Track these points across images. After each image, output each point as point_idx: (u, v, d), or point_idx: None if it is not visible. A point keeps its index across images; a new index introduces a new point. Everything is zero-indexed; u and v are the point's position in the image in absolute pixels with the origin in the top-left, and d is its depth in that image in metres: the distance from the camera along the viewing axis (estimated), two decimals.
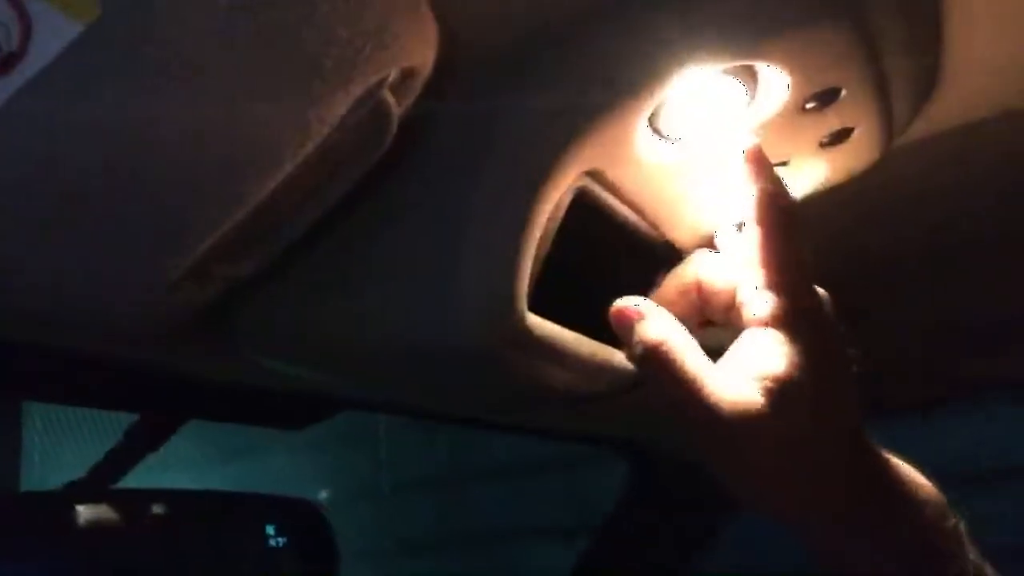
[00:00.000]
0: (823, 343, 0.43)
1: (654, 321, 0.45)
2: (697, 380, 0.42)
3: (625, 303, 0.46)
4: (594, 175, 0.47)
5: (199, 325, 0.52)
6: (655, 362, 0.43)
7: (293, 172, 0.37)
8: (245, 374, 0.67)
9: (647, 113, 0.44)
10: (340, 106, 0.34)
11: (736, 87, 0.45)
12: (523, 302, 0.46)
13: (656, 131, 0.46)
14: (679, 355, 0.43)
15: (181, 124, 0.33)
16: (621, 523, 1.46)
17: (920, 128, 0.54)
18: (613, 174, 0.48)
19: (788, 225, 0.45)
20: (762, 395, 0.41)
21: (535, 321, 0.47)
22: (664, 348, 0.43)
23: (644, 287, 0.61)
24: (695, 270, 0.50)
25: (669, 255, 0.60)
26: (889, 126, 0.51)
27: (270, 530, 0.69)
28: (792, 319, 0.43)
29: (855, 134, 0.50)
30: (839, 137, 0.50)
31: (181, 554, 0.65)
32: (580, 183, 0.48)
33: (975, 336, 0.99)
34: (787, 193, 0.47)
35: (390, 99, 0.37)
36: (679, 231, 0.58)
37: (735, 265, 0.48)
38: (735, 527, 1.47)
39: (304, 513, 0.72)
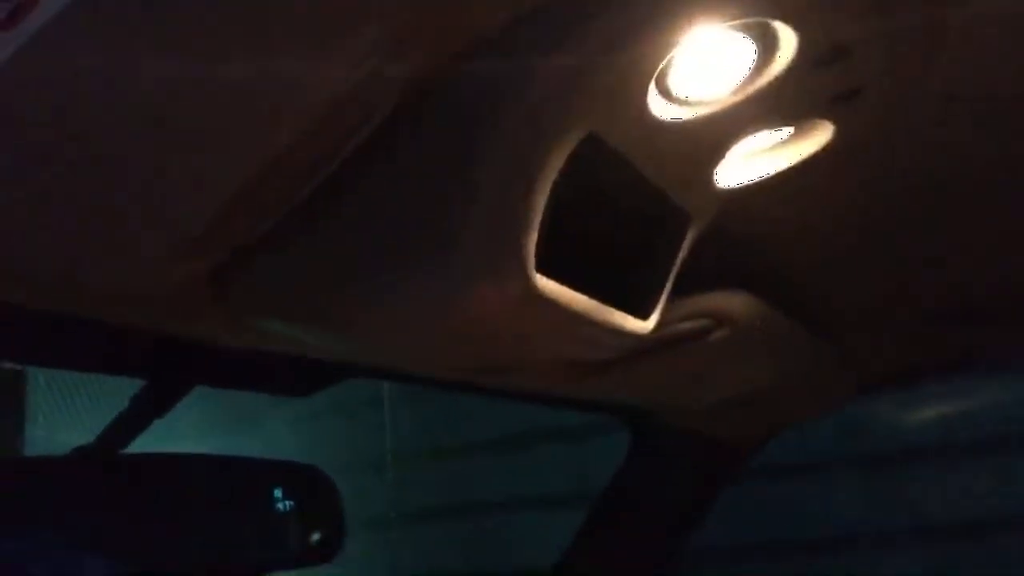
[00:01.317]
0: None
1: None
2: None
3: None
4: (600, 135, 0.47)
5: (204, 290, 0.52)
6: None
7: (297, 135, 0.37)
8: (250, 340, 0.67)
9: (654, 73, 0.44)
10: (342, 72, 0.34)
11: (746, 45, 0.44)
12: (530, 263, 0.46)
13: (664, 91, 0.46)
14: None
15: (184, 95, 0.33)
16: (621, 491, 1.47)
17: (928, 88, 0.54)
18: (620, 134, 0.48)
19: None
20: None
21: (543, 282, 0.47)
22: None
23: (651, 250, 0.61)
24: None
25: (675, 218, 0.60)
26: (898, 85, 0.50)
27: (277, 494, 0.69)
28: None
29: (864, 93, 0.50)
30: (849, 96, 0.50)
31: (189, 518, 0.65)
32: (587, 144, 0.47)
33: (956, 308, 0.99)
34: None
35: (392, 66, 0.37)
36: (685, 193, 0.58)
37: None
38: (732, 498, 1.48)
39: (311, 478, 0.72)
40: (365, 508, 2.94)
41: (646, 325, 0.60)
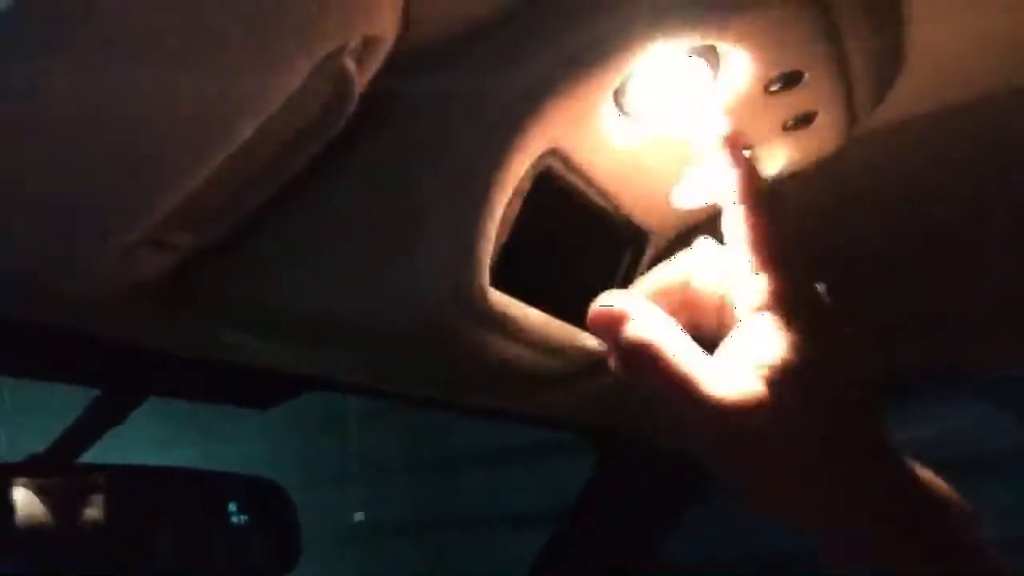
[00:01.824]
0: (824, 323, 0.40)
1: (638, 320, 0.41)
2: (691, 379, 0.39)
3: (605, 301, 0.42)
4: (559, 153, 0.47)
5: (159, 296, 0.51)
6: (642, 365, 0.40)
7: (252, 139, 0.37)
8: (208, 349, 0.66)
9: (611, 90, 0.45)
10: (300, 72, 0.34)
11: (700, 67, 0.45)
12: (485, 277, 0.46)
13: (621, 110, 0.46)
14: (668, 355, 0.39)
15: (135, 89, 0.33)
16: (587, 508, 1.47)
17: (884, 114, 0.55)
18: (578, 152, 0.48)
19: (774, 209, 0.43)
20: (763, 384, 0.38)
21: (497, 297, 0.47)
22: (652, 349, 0.40)
23: (608, 268, 0.61)
24: (682, 268, 0.47)
25: (634, 237, 0.60)
26: (852, 111, 0.51)
27: (232, 507, 0.69)
28: (788, 300, 0.40)
29: (818, 119, 0.51)
30: (802, 121, 0.51)
31: (141, 529, 0.65)
32: (545, 161, 0.48)
33: (941, 327, 1.01)
34: (764, 180, 0.46)
35: (352, 67, 0.37)
36: (644, 213, 0.58)
37: (724, 262, 0.45)
38: (700, 514, 1.49)
39: (266, 491, 0.72)
40: (328, 522, 2.92)
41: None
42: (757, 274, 0.41)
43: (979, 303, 0.96)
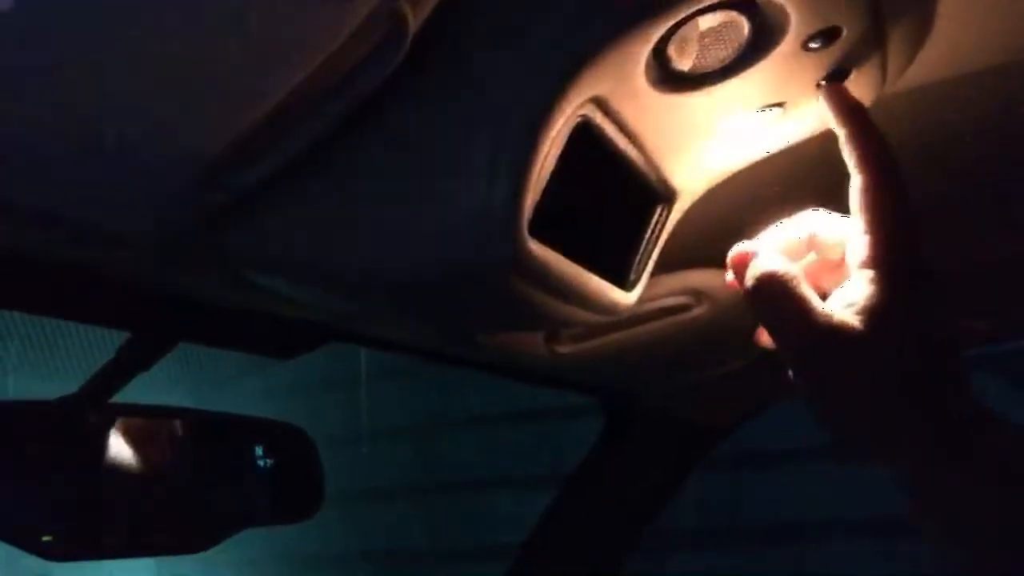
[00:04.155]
0: (917, 280, 0.46)
1: (767, 256, 0.49)
2: (807, 301, 0.46)
3: (740, 247, 0.50)
4: (598, 103, 0.48)
5: (199, 238, 0.52)
6: (768, 289, 0.47)
7: (307, 78, 0.37)
8: (238, 298, 0.67)
9: (652, 43, 0.45)
10: (362, 9, 0.35)
11: (741, 22, 0.46)
12: (523, 225, 0.47)
13: (661, 64, 0.47)
14: (791, 282, 0.47)
15: (198, 21, 0.33)
16: (593, 471, 1.49)
17: (915, 74, 0.55)
18: (616, 104, 0.49)
19: (889, 167, 0.48)
20: (859, 322, 0.45)
21: (535, 245, 0.48)
22: (778, 276, 0.47)
23: (637, 225, 0.62)
24: (805, 226, 0.52)
25: (663, 194, 0.61)
26: (883, 70, 0.52)
27: (259, 451, 0.70)
28: (888, 259, 0.46)
29: (851, 77, 0.51)
30: (835, 78, 0.51)
31: (172, 470, 0.66)
32: (583, 111, 0.49)
33: (964, 291, 1.01)
34: (879, 135, 0.49)
35: (407, 10, 0.38)
36: (675, 170, 0.59)
37: (844, 223, 0.50)
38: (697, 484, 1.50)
39: (292, 437, 0.73)
40: (334, 484, 2.95)
41: (630, 298, 0.62)
42: (865, 234, 0.46)
43: (1001, 269, 0.96)
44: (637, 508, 1.52)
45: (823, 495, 2.35)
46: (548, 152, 0.47)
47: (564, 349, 0.86)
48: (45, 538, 0.57)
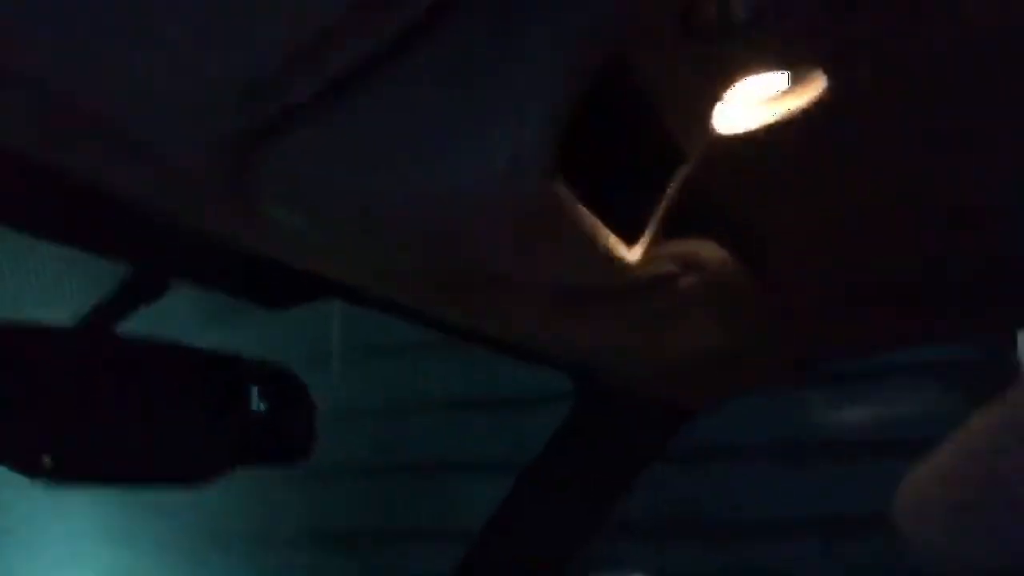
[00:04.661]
0: None
1: None
2: None
3: None
4: (629, 52, 0.50)
5: (226, 164, 0.53)
6: None
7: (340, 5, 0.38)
8: (247, 237, 0.68)
9: (681, 5, 0.47)
10: None
11: None
12: (551, 165, 0.48)
13: (690, 14, 0.49)
14: None
15: None
16: (558, 453, 1.50)
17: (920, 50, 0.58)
18: (645, 54, 0.50)
19: None
20: None
21: (558, 187, 0.50)
22: None
23: (646, 182, 0.64)
24: None
25: (672, 156, 0.63)
26: (895, 43, 0.54)
27: (254, 391, 0.71)
28: None
29: (864, 47, 0.54)
30: (849, 48, 0.54)
31: (169, 404, 0.66)
32: (608, 64, 0.50)
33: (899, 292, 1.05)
34: None
35: None
36: (685, 130, 0.61)
37: None
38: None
39: (285, 379, 0.74)
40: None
41: (633, 255, 0.64)
42: None
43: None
44: (601, 493, 1.54)
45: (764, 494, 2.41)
46: (577, 98, 0.49)
47: (547, 319, 0.88)
48: (46, 460, 0.57)
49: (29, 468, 0.57)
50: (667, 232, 0.75)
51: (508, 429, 2.66)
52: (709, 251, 0.78)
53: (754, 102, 0.62)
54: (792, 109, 0.61)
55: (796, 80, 0.59)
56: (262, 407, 0.71)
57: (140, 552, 3.04)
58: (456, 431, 2.82)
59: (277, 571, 2.89)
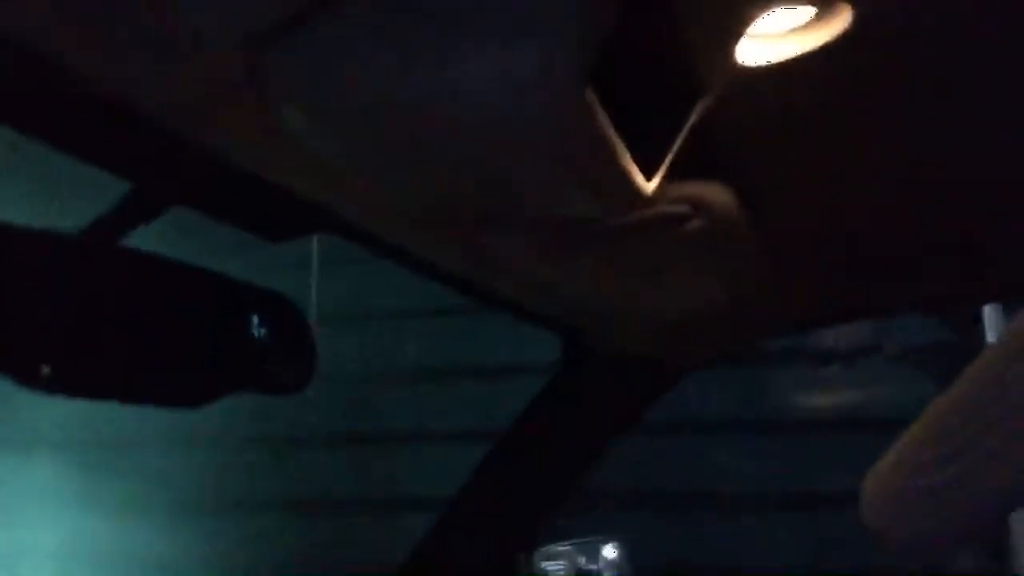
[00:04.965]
0: None
1: None
2: None
3: None
4: None
5: (238, 69, 0.51)
6: None
7: None
8: (253, 156, 0.66)
9: None
10: None
11: None
12: (587, 73, 0.47)
13: None
14: None
15: None
16: (540, 415, 1.49)
17: None
18: None
19: None
20: None
21: (591, 97, 0.49)
22: None
23: (667, 114, 0.63)
24: None
25: (694, 87, 0.62)
26: None
27: (255, 319, 0.69)
28: None
29: None
30: None
31: (169, 322, 0.65)
32: None
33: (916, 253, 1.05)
34: None
35: None
36: (706, 62, 0.60)
37: None
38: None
39: (285, 309, 0.72)
40: (266, 430, 2.91)
41: (649, 186, 0.63)
42: None
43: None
44: (578, 456, 1.53)
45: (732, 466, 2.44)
46: (607, 17, 0.48)
47: (543, 262, 0.87)
48: (44, 369, 0.55)
49: (27, 377, 0.56)
50: (682, 170, 0.75)
51: (485, 399, 2.66)
52: (717, 194, 0.77)
53: (778, 35, 0.61)
54: (815, 43, 0.61)
55: (821, 14, 0.58)
56: (262, 333, 0.69)
57: (102, 515, 3.00)
58: (433, 400, 2.82)
59: (246, 535, 2.88)
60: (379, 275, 2.72)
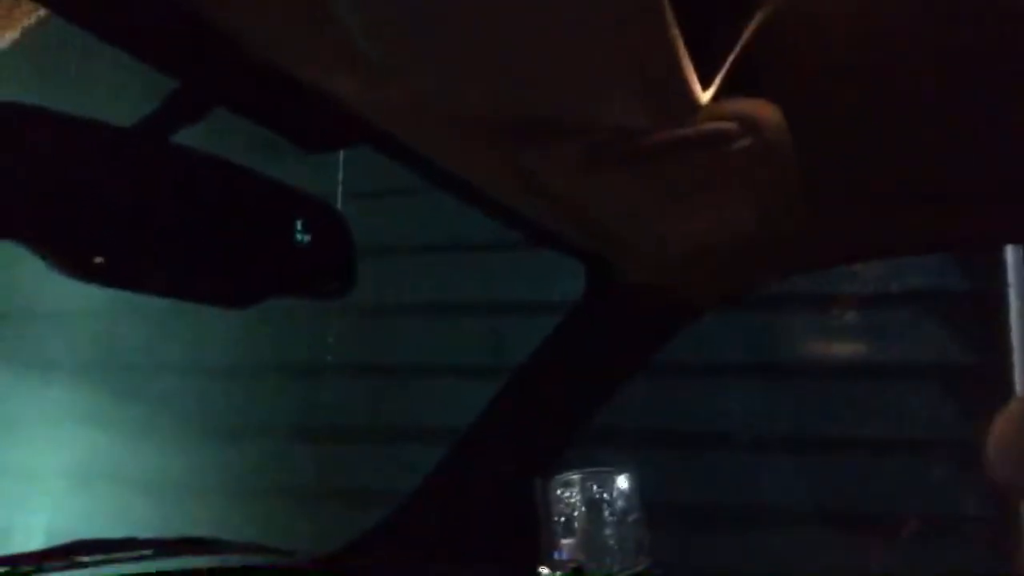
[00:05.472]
0: None
1: None
2: None
3: None
4: None
5: None
6: None
7: None
8: (298, 62, 0.66)
9: None
10: None
11: None
12: None
13: None
14: None
15: None
16: (560, 343, 1.50)
17: None
18: None
19: None
20: None
21: None
22: None
23: (723, 25, 0.62)
24: None
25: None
26: None
27: (299, 224, 0.69)
28: None
29: None
30: None
31: (217, 222, 0.65)
32: None
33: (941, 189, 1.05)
34: None
35: None
36: None
37: None
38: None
39: (328, 214, 0.72)
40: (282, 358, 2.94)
41: (704, 96, 0.62)
42: None
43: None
44: (592, 390, 1.54)
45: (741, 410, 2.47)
46: None
47: (579, 177, 0.85)
48: (97, 259, 0.56)
49: (80, 267, 0.56)
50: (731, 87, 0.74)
51: (498, 335, 2.68)
52: (767, 112, 0.76)
53: None
54: None
55: None
56: (305, 239, 0.70)
57: (116, 436, 3.05)
58: (443, 335, 2.83)
59: (261, 460, 2.92)
60: (394, 211, 2.72)
